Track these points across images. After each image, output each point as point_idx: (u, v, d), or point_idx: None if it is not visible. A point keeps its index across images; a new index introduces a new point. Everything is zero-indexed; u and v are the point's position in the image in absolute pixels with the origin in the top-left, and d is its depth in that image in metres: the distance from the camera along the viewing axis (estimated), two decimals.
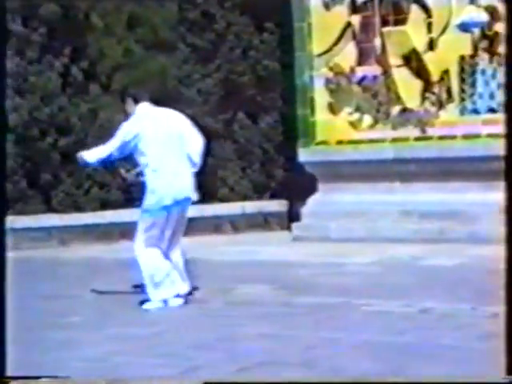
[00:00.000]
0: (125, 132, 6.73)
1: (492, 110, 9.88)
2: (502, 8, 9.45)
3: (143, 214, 6.74)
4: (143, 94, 7.05)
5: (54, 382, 4.22)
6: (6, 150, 11.04)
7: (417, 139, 10.58)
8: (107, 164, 7.49)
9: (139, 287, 7.17)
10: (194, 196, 6.84)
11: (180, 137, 6.79)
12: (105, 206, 11.81)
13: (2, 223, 3.70)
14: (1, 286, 3.60)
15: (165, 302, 6.63)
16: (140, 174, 6.92)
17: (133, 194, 12.27)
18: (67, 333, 5.86)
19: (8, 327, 6.10)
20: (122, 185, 11.89)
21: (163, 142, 6.68)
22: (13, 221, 11.41)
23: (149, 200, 6.69)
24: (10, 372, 4.75)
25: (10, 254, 10.96)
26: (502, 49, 9.58)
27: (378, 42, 10.76)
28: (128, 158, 12.90)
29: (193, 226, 11.98)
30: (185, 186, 6.74)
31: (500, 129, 7.87)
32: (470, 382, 4.22)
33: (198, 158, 6.84)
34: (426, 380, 4.34)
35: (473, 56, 10.05)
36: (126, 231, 11.83)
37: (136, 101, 6.90)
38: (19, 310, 6.77)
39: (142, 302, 6.69)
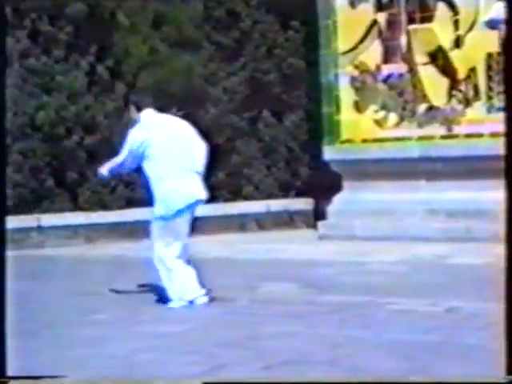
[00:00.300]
0: (132, 140, 6.74)
1: None
2: None
3: (158, 220, 6.71)
4: (146, 101, 7.06)
5: (54, 381, 4.23)
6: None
7: (443, 137, 10.51)
8: (122, 175, 7.43)
9: (145, 286, 7.21)
10: (205, 195, 6.80)
11: (184, 143, 6.79)
12: (130, 204, 11.86)
13: (2, 222, 3.71)
14: (1, 286, 3.61)
15: (191, 302, 6.64)
16: None
17: None
18: (93, 330, 5.88)
19: (33, 324, 6.14)
20: (147, 183, 11.92)
21: (169, 149, 6.68)
22: (39, 219, 11.52)
23: (160, 207, 6.69)
24: (38, 369, 4.78)
25: (38, 252, 11.06)
26: None
27: (403, 39, 10.71)
28: None
29: (218, 225, 12.06)
30: (194, 188, 6.74)
31: None
32: (470, 381, 4.20)
33: (200, 168, 6.84)
34: (427, 380, 4.32)
35: (500, 53, 9.97)
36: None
37: (139, 108, 6.92)
38: (46, 307, 6.82)
39: (161, 301, 6.70)
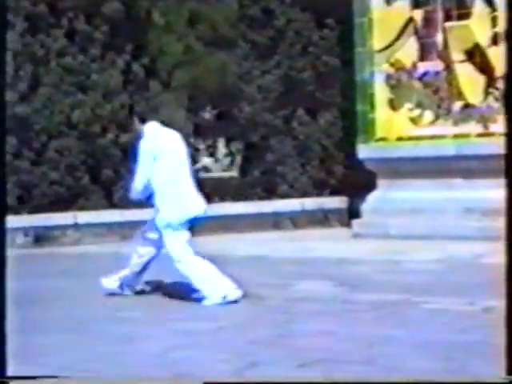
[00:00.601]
0: (148, 154, 6.80)
1: None
2: None
3: (166, 229, 6.77)
4: (150, 113, 7.13)
5: (54, 382, 4.26)
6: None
7: (479, 135, 10.42)
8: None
9: (149, 283, 7.28)
10: (204, 207, 6.94)
11: (183, 157, 6.92)
12: None
13: (2, 222, 3.74)
14: (1, 286, 3.66)
15: (224, 297, 6.66)
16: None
17: None
18: (126, 328, 5.91)
19: (66, 321, 6.20)
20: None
21: (173, 161, 6.80)
22: (76, 216, 11.62)
23: (167, 216, 6.74)
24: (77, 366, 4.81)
25: (73, 249, 11.13)
26: None
27: (440, 37, 10.63)
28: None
29: (252, 223, 12.08)
30: (197, 201, 6.87)
31: None
32: (470, 381, 4.16)
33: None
34: (427, 380, 4.29)
35: None
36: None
37: (143, 120, 6.98)
38: (80, 304, 6.88)
39: (194, 299, 6.73)
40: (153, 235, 6.98)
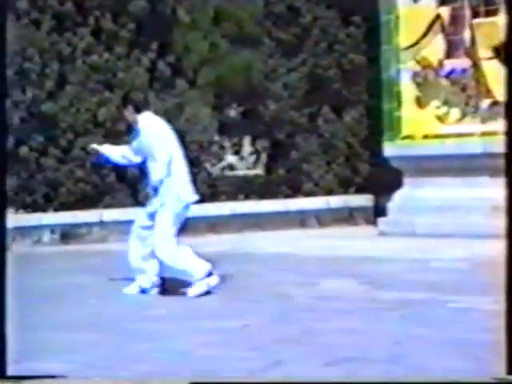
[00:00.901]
0: (161, 136, 6.94)
1: None
2: None
3: (172, 217, 6.95)
4: (145, 103, 7.20)
5: (53, 381, 4.27)
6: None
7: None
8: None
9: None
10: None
11: (176, 145, 7.05)
12: None
13: (2, 221, 3.76)
14: (1, 284, 3.69)
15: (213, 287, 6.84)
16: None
17: (218, 187, 12.37)
18: (151, 325, 5.93)
19: (92, 318, 6.23)
20: (207, 179, 12.01)
21: (172, 149, 6.96)
22: (101, 214, 11.67)
23: (171, 203, 6.90)
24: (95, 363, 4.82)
25: (99, 246, 11.17)
26: None
27: (467, 34, 10.55)
28: (212, 154, 12.90)
29: (278, 220, 12.07)
30: (191, 187, 7.10)
31: None
32: (470, 381, 4.12)
33: None
34: (427, 380, 4.25)
35: None
36: (213, 225, 11.95)
37: (138, 109, 7.01)
38: (106, 301, 6.91)
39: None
40: (144, 232, 7.24)
